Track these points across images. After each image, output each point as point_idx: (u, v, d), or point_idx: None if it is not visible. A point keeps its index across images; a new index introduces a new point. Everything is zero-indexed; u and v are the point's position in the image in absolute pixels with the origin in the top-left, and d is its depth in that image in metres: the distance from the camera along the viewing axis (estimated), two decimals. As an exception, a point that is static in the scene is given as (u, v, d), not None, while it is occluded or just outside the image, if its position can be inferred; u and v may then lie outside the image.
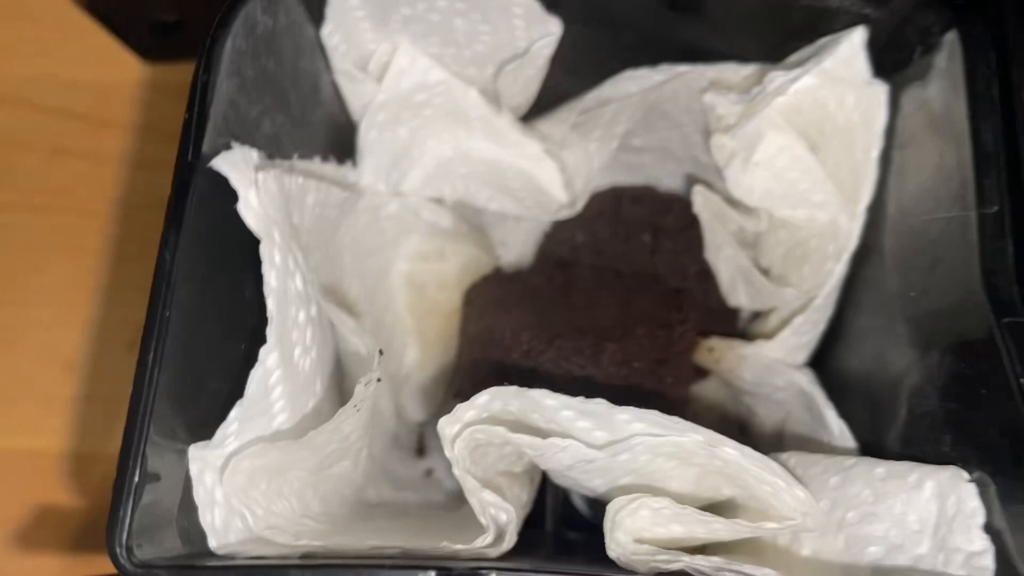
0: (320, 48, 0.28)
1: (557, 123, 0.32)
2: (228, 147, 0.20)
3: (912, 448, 0.24)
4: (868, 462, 0.23)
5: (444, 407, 0.37)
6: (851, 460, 0.23)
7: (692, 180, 0.37)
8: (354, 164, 0.31)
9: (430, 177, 0.33)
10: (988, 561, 0.19)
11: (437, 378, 0.36)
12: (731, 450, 0.22)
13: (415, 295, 0.35)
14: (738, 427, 0.34)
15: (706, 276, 0.36)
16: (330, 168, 0.29)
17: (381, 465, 0.34)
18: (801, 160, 0.29)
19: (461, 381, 0.34)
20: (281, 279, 0.20)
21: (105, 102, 0.42)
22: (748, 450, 0.22)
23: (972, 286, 0.21)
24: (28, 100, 0.42)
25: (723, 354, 0.33)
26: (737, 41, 0.29)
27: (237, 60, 0.22)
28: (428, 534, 0.23)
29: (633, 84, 0.30)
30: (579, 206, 0.32)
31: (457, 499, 0.34)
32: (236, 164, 0.19)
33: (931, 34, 0.25)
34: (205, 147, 0.20)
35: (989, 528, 0.19)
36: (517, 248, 0.39)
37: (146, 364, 0.19)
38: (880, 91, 0.27)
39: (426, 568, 0.18)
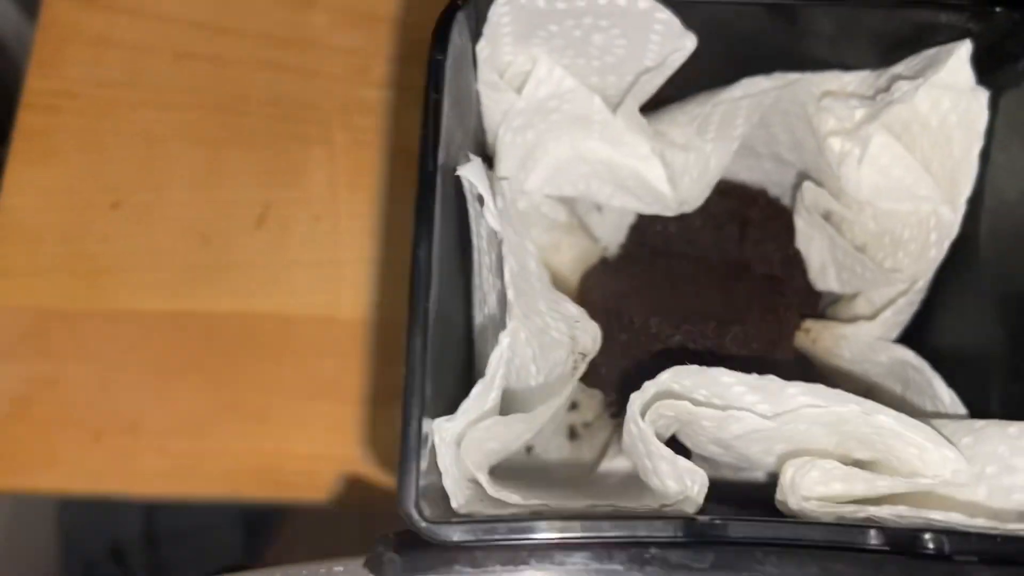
0: (473, 62, 0.31)
1: (673, 124, 0.35)
2: (468, 158, 0.23)
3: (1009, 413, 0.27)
4: (999, 423, 0.26)
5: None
6: (980, 422, 0.27)
7: (768, 175, 0.40)
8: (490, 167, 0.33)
9: (551, 176, 0.36)
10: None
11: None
12: (886, 417, 0.25)
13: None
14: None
15: (791, 262, 0.39)
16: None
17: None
18: (901, 158, 0.32)
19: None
20: (514, 274, 0.23)
21: (224, 10, 0.47)
22: (903, 416, 0.25)
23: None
24: (150, 10, 0.47)
25: (819, 334, 0.36)
26: (846, 52, 0.32)
27: (448, 78, 0.24)
28: (624, 495, 0.26)
29: (739, 91, 0.33)
30: (694, 204, 0.35)
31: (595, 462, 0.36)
32: (476, 172, 0.22)
33: None
34: (440, 158, 0.23)
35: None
36: (606, 239, 0.42)
37: (414, 350, 0.21)
38: (982, 96, 0.30)
39: (672, 518, 0.21)
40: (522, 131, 0.34)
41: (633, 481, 0.29)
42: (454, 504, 0.23)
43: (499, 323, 0.23)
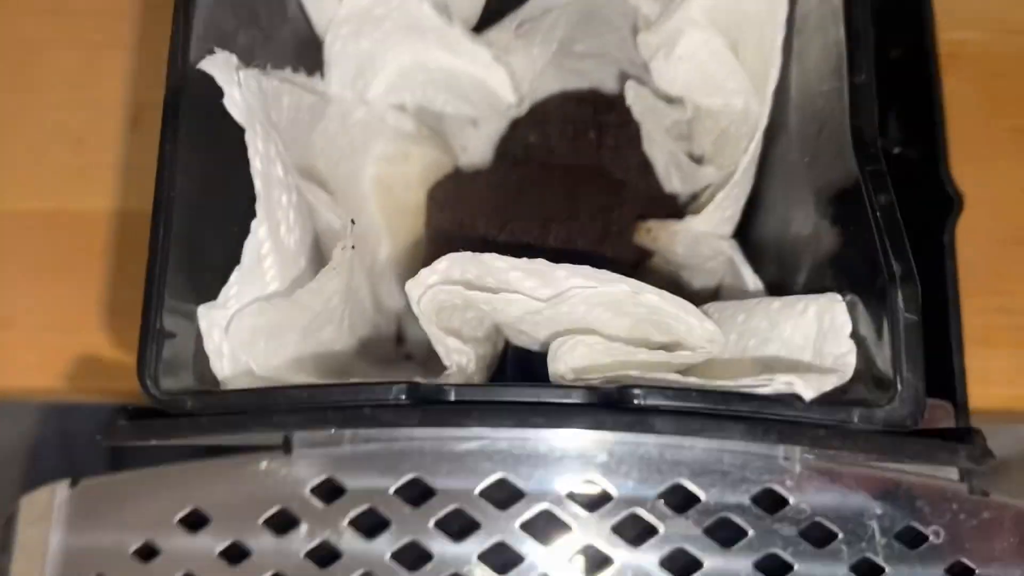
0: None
1: (502, 31, 0.35)
2: (211, 52, 0.24)
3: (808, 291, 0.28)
4: (767, 300, 0.27)
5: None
6: (755, 300, 0.28)
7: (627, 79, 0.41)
8: (322, 76, 0.34)
9: (392, 85, 0.36)
10: (852, 358, 0.24)
11: (409, 270, 0.40)
12: (652, 295, 0.26)
13: (384, 195, 0.38)
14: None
15: (646, 167, 0.39)
16: (300, 78, 0.32)
17: (363, 346, 0.38)
18: (718, 53, 0.33)
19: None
20: (265, 164, 0.24)
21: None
22: (666, 294, 0.26)
23: (845, 144, 0.25)
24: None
25: (658, 233, 0.37)
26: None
27: None
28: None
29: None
30: (525, 106, 0.35)
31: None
32: (219, 65, 0.23)
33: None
34: (192, 54, 0.24)
35: (855, 336, 0.24)
36: (478, 153, 0.42)
37: (156, 238, 0.23)
38: (781, -12, 0.30)
39: (398, 383, 0.22)
40: (354, 39, 0.34)
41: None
42: (219, 377, 0.24)
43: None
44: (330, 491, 0.25)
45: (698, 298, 0.39)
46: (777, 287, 0.32)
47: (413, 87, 0.36)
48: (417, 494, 0.24)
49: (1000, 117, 0.47)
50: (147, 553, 0.26)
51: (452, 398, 0.22)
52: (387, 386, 0.22)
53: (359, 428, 0.22)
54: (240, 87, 0.23)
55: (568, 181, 0.39)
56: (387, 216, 0.39)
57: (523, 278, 0.27)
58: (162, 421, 0.22)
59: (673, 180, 0.38)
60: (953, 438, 0.23)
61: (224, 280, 0.24)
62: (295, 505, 0.24)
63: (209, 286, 0.24)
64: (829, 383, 0.23)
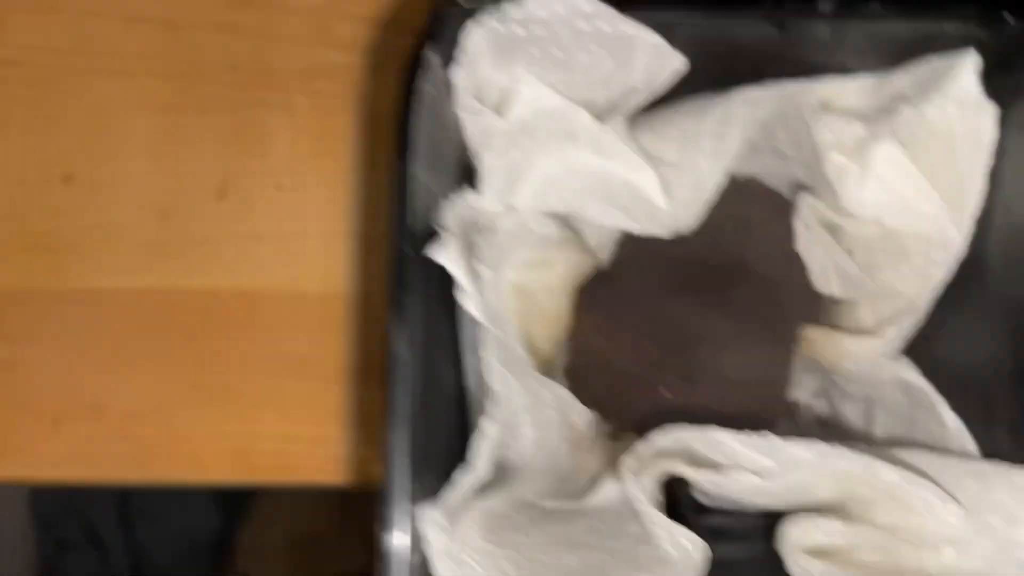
0: (446, 89, 0.29)
1: (663, 139, 0.33)
2: (434, 233, 0.21)
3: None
4: (1004, 468, 0.25)
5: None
6: (986, 465, 0.26)
7: (771, 170, 0.39)
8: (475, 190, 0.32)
9: (539, 192, 0.34)
10: None
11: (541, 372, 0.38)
12: (891, 474, 0.24)
13: (524, 303, 0.36)
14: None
15: (792, 262, 0.37)
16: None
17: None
18: (906, 170, 0.31)
19: (576, 389, 0.36)
20: (497, 358, 0.22)
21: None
22: (907, 473, 0.24)
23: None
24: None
25: (823, 346, 0.35)
26: (845, 59, 0.30)
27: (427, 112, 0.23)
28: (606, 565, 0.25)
29: (743, 101, 0.32)
30: (688, 222, 0.33)
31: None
32: (451, 255, 0.21)
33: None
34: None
35: None
36: (600, 247, 0.40)
37: (392, 449, 0.20)
38: (989, 111, 0.28)
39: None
40: (506, 151, 0.32)
41: (629, 515, 0.28)
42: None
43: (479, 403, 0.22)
44: None
45: (846, 419, 0.37)
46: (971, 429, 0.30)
47: (564, 195, 0.34)
48: None
49: None
50: None
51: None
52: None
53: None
54: (475, 278, 0.21)
55: (712, 281, 0.37)
56: (525, 321, 0.37)
57: (744, 448, 0.25)
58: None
59: (832, 284, 0.35)
60: None
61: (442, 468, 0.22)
62: None
63: (425, 492, 0.22)
64: None
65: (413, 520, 0.20)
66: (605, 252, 0.39)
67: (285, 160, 0.46)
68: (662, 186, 0.34)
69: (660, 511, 0.27)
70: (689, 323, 0.34)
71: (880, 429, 0.35)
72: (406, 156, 0.22)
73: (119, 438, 0.42)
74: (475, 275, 0.21)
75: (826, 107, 0.31)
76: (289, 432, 0.42)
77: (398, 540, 0.20)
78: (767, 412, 0.34)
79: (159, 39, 0.46)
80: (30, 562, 1.08)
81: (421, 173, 0.22)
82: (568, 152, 0.33)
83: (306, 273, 0.43)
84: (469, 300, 0.21)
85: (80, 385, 0.42)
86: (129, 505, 0.94)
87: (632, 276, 0.37)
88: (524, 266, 0.36)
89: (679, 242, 0.39)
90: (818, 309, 0.38)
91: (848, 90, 0.31)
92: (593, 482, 0.31)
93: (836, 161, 0.30)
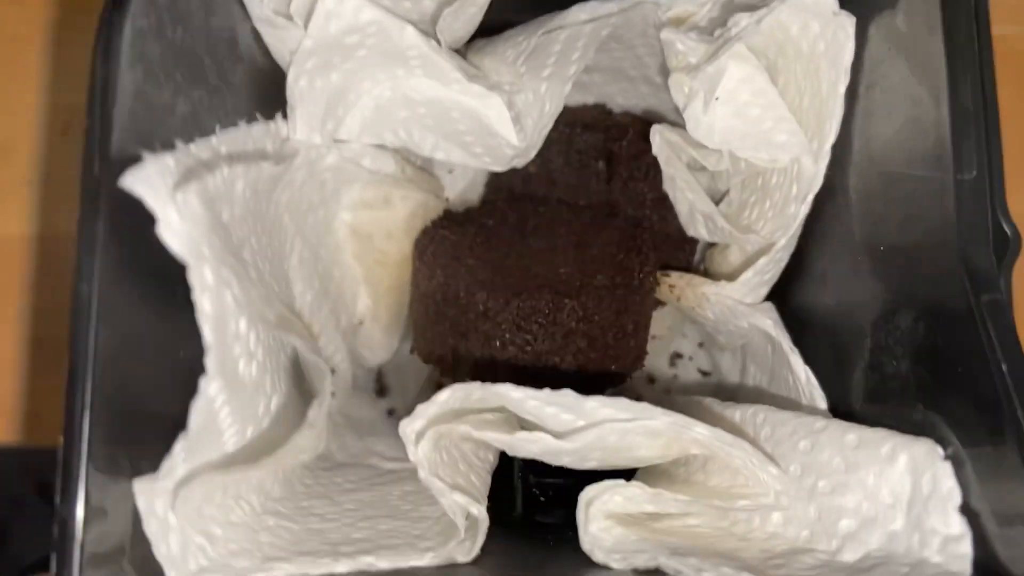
0: (237, -2, 0.25)
1: (501, 61, 0.29)
2: (138, 158, 0.18)
3: (879, 406, 0.24)
4: (839, 427, 0.22)
5: (399, 351, 0.36)
6: (821, 422, 0.23)
7: (645, 100, 0.35)
8: (284, 117, 0.28)
9: (369, 123, 0.30)
10: (966, 547, 0.19)
11: (391, 324, 0.35)
12: (702, 430, 0.21)
13: (362, 245, 0.33)
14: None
15: (663, 203, 0.34)
16: (258, 129, 0.26)
17: (342, 413, 0.33)
18: (764, 93, 0.27)
19: (416, 338, 0.33)
20: (215, 298, 0.18)
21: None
22: (719, 432, 0.21)
23: (948, 255, 0.20)
24: None
25: (683, 292, 0.32)
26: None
27: (140, 43, 0.19)
28: (396, 529, 0.22)
29: (584, 14, 0.28)
30: (532, 154, 0.30)
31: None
32: (150, 180, 0.17)
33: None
34: (113, 153, 0.18)
35: (966, 509, 0.19)
36: (467, 178, 0.37)
37: (74, 406, 0.17)
38: (847, 23, 0.25)
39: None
40: (321, 73, 0.28)
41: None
42: (171, 574, 0.19)
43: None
44: None
45: (723, 358, 0.34)
46: (826, 380, 0.27)
47: (395, 126, 0.30)
48: None
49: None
50: None
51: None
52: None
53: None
54: (179, 210, 0.18)
55: (576, 226, 0.34)
56: (366, 267, 0.33)
57: (543, 405, 0.22)
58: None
59: (699, 227, 0.32)
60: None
61: (167, 438, 0.19)
62: None
63: (148, 456, 0.19)
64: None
65: (93, 490, 0.17)
66: (456, 191, 0.36)
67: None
68: (512, 117, 0.31)
69: (473, 477, 0.24)
70: (534, 269, 0.31)
71: (751, 381, 0.32)
72: (108, 60, 0.18)
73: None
74: (177, 204, 0.17)
75: (677, 23, 0.28)
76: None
77: (76, 513, 0.17)
78: (618, 365, 0.31)
79: None
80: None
81: (135, 80, 0.19)
82: (399, 77, 0.30)
83: None
84: (167, 232, 0.17)
85: None
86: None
87: (485, 219, 0.34)
88: (360, 207, 0.33)
89: (543, 179, 0.35)
90: (689, 254, 0.35)
91: (700, 5, 0.27)
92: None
93: (680, 84, 0.27)
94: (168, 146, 0.19)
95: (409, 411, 0.35)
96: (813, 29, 0.26)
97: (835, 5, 0.25)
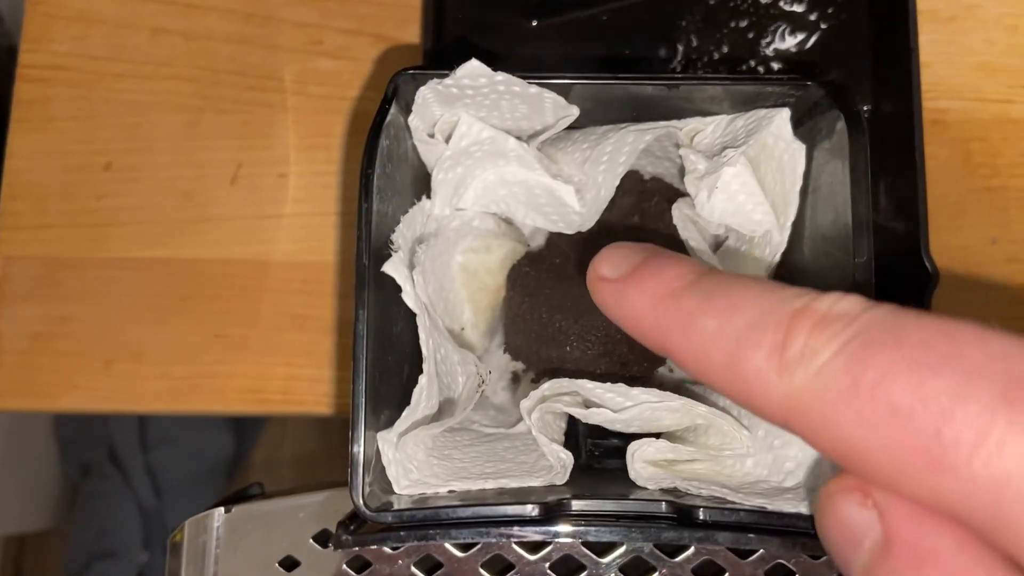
0: (407, 129, 0.40)
1: (571, 159, 0.44)
2: (389, 253, 0.32)
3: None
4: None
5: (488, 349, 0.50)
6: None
7: (668, 171, 0.49)
8: (429, 199, 0.43)
9: (478, 197, 0.45)
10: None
11: (485, 331, 0.49)
12: (703, 410, 0.36)
13: (469, 278, 0.47)
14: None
15: (676, 242, 0.48)
16: (416, 208, 0.41)
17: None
18: (748, 185, 0.41)
19: (507, 342, 0.47)
20: (426, 331, 0.33)
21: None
22: (714, 410, 0.36)
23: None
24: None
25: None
26: (703, 109, 0.41)
27: (383, 158, 0.34)
28: (510, 471, 0.37)
29: (630, 137, 0.42)
30: (592, 223, 0.44)
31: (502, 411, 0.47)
32: (396, 266, 0.32)
33: (829, 115, 0.37)
34: (373, 248, 0.32)
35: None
36: (543, 232, 0.51)
37: (357, 393, 0.32)
38: (800, 149, 0.39)
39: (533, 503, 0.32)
40: (452, 168, 0.43)
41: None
42: (396, 488, 0.34)
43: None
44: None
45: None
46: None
47: (497, 199, 0.45)
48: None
49: (973, 178, 0.56)
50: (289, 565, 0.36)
51: (572, 510, 0.32)
52: (524, 504, 0.32)
53: (500, 537, 0.32)
54: (412, 283, 0.32)
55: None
56: (470, 292, 0.48)
57: (606, 392, 0.36)
58: (371, 535, 0.32)
59: (705, 267, 0.46)
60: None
61: (396, 415, 0.34)
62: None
63: (385, 421, 0.33)
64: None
65: (366, 440, 0.32)
66: (533, 242, 0.51)
67: (285, 152, 0.56)
68: (576, 192, 0.45)
69: (557, 436, 0.39)
70: (586, 297, 0.45)
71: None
72: (368, 198, 0.32)
73: (157, 377, 0.53)
74: (412, 281, 0.32)
75: (692, 137, 0.42)
76: (293, 373, 0.54)
77: (359, 452, 0.32)
78: (643, 365, 0.45)
79: (181, 48, 0.57)
80: (56, 483, 1.21)
81: (376, 203, 0.33)
82: (500, 167, 0.44)
83: (303, 246, 0.54)
84: (407, 298, 0.32)
85: (124, 335, 0.54)
86: (147, 431, 1.06)
87: (551, 260, 0.48)
88: (469, 251, 0.47)
89: (586, 235, 0.50)
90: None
91: (707, 124, 0.41)
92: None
93: (692, 183, 0.41)
94: (386, 236, 0.34)
95: (493, 392, 0.49)
96: (780, 146, 0.40)
97: (791, 136, 0.39)
